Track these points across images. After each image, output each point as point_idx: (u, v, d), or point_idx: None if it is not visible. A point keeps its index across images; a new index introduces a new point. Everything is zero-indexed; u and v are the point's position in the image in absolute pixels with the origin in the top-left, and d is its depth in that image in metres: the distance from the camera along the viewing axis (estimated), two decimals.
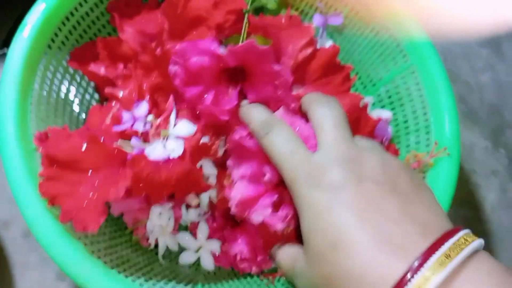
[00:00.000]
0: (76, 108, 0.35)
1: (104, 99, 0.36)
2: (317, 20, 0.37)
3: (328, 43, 0.38)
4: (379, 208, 0.21)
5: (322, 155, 0.23)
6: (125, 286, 0.26)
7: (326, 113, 0.25)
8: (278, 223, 0.26)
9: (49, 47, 0.31)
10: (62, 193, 0.27)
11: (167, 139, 0.29)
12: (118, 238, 0.32)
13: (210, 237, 0.34)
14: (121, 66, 0.32)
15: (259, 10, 0.38)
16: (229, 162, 0.29)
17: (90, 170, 0.28)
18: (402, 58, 0.35)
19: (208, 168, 0.32)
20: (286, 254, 0.26)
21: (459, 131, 0.32)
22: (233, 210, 0.28)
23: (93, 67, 0.32)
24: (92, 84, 0.36)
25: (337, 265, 0.20)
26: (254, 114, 0.27)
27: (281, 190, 0.27)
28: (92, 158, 0.28)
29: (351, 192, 0.21)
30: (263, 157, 0.27)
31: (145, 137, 0.30)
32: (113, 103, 0.31)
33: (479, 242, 0.20)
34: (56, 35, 0.31)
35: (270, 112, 0.27)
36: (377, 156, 0.23)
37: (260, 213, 0.27)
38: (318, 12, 0.38)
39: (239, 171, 0.28)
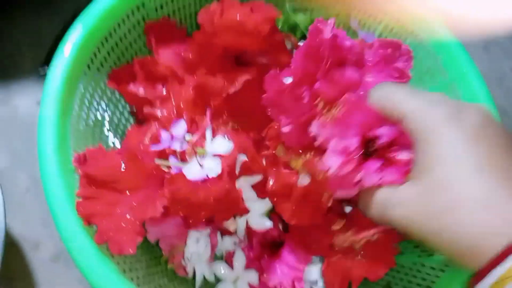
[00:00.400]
0: (112, 131, 0.34)
1: (141, 122, 0.35)
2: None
3: None
4: (503, 166, 0.21)
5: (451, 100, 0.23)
6: None
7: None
8: (398, 178, 0.24)
9: (88, 67, 0.31)
10: (98, 213, 0.26)
11: (204, 157, 0.28)
12: (154, 267, 0.30)
13: (247, 267, 0.33)
14: (159, 87, 0.32)
15: (292, 29, 0.38)
16: (323, 131, 0.26)
17: (128, 191, 0.27)
18: (441, 74, 0.34)
19: (247, 190, 0.31)
20: (376, 192, 0.25)
21: None
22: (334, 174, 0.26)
23: (132, 87, 0.32)
24: (128, 108, 0.36)
25: (454, 201, 0.20)
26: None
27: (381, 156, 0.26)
28: (130, 178, 0.27)
29: (484, 140, 0.21)
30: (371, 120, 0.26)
31: (182, 157, 0.29)
32: (152, 123, 0.31)
33: None
34: (95, 55, 0.31)
35: None
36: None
37: (372, 177, 0.25)
38: (351, 31, 0.38)
39: (339, 142, 0.26)
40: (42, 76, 0.42)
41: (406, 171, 0.24)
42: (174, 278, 0.31)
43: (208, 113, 0.30)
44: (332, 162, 0.26)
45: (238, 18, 0.30)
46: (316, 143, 0.27)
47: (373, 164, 0.26)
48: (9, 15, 0.44)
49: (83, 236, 0.25)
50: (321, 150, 0.27)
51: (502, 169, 0.21)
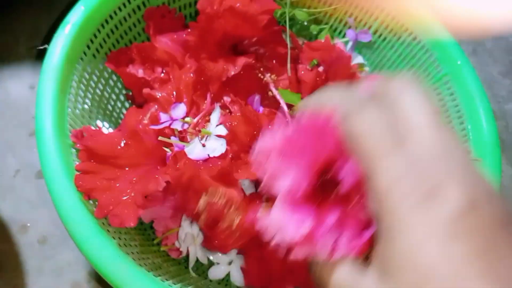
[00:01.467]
0: (107, 115, 0.34)
1: (137, 106, 0.35)
2: (350, 35, 0.38)
3: (358, 59, 0.39)
4: (498, 252, 0.15)
5: (431, 158, 0.17)
6: None
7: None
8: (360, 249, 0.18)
9: (88, 47, 0.31)
10: (98, 187, 0.25)
11: (206, 138, 0.29)
12: (148, 247, 0.30)
13: (239, 252, 0.33)
14: (158, 69, 0.32)
15: (290, 23, 0.39)
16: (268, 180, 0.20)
17: (127, 167, 0.27)
18: (435, 68, 0.35)
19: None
20: (345, 275, 0.19)
21: (497, 134, 0.32)
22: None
23: (131, 68, 0.32)
24: (124, 92, 0.36)
25: None
26: (334, 92, 0.20)
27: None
28: (130, 155, 0.27)
29: (471, 223, 0.15)
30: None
31: (182, 136, 0.29)
32: (151, 105, 0.31)
33: None
34: (95, 36, 0.31)
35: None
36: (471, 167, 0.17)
37: (327, 240, 0.19)
38: (348, 27, 0.39)
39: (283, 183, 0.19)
40: (39, 55, 0.42)
41: (367, 242, 0.18)
42: (167, 260, 0.31)
43: (208, 96, 0.31)
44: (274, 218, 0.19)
45: (237, 6, 0.31)
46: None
47: (329, 218, 0.19)
48: (10, 7, 0.44)
49: (80, 210, 0.24)
50: None
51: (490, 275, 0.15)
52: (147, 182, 0.25)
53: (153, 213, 0.30)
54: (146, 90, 0.31)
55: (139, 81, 0.32)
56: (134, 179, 0.26)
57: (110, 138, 0.27)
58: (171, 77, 0.31)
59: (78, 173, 0.26)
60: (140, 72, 0.32)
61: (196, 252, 0.31)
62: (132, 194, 0.25)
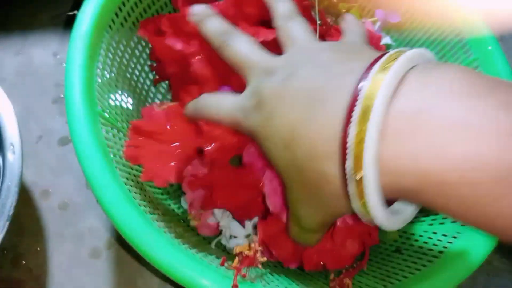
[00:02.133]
0: (132, 87, 0.34)
1: (159, 81, 0.36)
2: (378, 15, 0.37)
3: (385, 40, 0.38)
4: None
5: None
6: (189, 257, 0.24)
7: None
8: None
9: (116, 15, 0.31)
10: (145, 156, 0.28)
11: None
12: (170, 216, 0.31)
13: None
14: (195, 42, 0.31)
15: None
16: None
17: (172, 144, 0.29)
18: (464, 53, 0.34)
19: None
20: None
21: None
22: None
23: (168, 40, 0.31)
24: (148, 62, 0.36)
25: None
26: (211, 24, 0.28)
27: None
28: (175, 134, 0.29)
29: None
30: None
31: None
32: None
33: (415, 52, 0.20)
34: (123, 4, 0.31)
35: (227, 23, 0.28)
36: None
37: None
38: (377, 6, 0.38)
39: None
40: (64, 22, 0.42)
41: None
42: (187, 230, 0.31)
43: None
44: None
45: None
46: None
47: None
48: None
49: (108, 175, 0.25)
50: None
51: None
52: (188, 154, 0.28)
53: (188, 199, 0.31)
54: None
55: (174, 54, 0.32)
56: (177, 152, 0.29)
57: (159, 116, 0.30)
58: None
59: (127, 147, 0.28)
60: (178, 46, 0.31)
61: (229, 224, 0.32)
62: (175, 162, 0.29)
